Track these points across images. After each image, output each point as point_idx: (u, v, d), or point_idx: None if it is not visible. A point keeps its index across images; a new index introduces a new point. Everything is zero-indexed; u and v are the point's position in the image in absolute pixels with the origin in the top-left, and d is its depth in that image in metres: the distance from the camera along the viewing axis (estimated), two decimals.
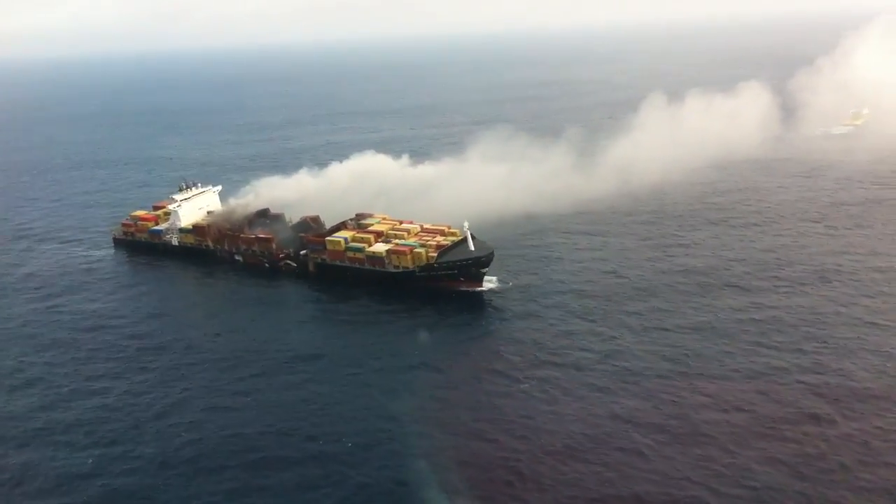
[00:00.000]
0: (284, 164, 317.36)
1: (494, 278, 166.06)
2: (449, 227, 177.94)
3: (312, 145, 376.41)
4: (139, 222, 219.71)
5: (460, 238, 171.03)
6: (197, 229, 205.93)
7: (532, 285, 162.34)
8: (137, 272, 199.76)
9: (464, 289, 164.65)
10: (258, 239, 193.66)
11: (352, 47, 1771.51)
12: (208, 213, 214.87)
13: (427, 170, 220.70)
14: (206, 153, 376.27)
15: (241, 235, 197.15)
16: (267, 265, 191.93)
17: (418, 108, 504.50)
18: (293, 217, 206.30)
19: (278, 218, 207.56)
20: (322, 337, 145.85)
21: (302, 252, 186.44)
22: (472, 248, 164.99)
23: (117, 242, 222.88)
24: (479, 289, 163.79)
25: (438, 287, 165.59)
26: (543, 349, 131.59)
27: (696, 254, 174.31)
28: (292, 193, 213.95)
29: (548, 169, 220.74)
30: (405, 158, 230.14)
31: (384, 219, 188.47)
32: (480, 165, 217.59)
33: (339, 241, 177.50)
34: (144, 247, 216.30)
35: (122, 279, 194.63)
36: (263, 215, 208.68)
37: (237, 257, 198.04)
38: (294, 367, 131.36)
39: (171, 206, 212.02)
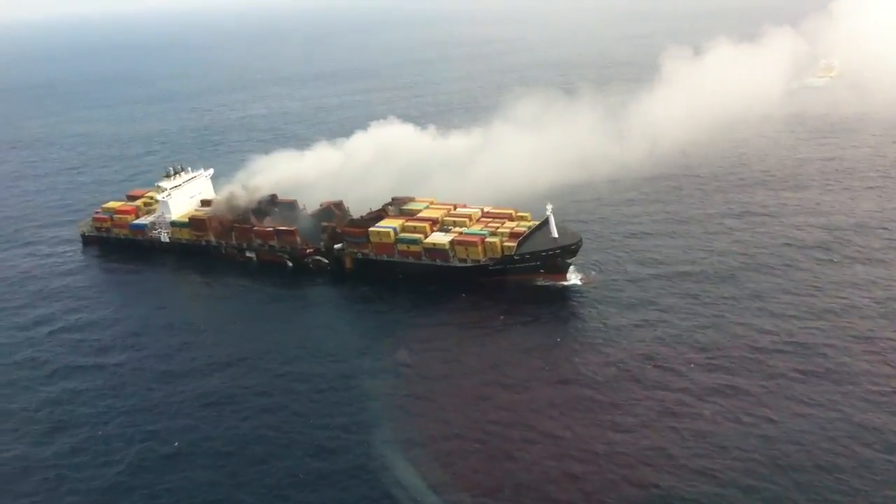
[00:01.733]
0: (239, 138, 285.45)
1: (572, 267, 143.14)
2: (516, 211, 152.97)
3: (257, 115, 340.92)
4: (115, 216, 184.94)
5: (536, 223, 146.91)
6: (194, 222, 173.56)
7: (627, 272, 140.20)
8: (128, 277, 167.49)
9: (543, 282, 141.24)
10: (278, 232, 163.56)
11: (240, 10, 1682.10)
12: (202, 202, 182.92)
13: (457, 143, 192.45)
14: (136, 128, 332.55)
15: (255, 228, 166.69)
16: (290, 263, 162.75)
17: (344, 73, 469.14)
18: (307, 204, 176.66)
19: (290, 205, 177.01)
20: (425, 352, 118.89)
21: (336, 246, 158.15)
22: (555, 234, 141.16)
23: (87, 240, 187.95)
24: (564, 282, 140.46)
25: (513, 282, 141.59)
26: (702, 350, 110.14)
27: (786, 223, 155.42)
28: (301, 174, 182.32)
29: (577, 135, 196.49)
30: (432, 129, 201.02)
31: (432, 203, 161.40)
32: (513, 135, 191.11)
33: (388, 232, 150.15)
34: (124, 245, 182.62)
35: (113, 287, 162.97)
36: (271, 203, 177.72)
37: (249, 254, 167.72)
38: (438, 405, 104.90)
39: (158, 196, 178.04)
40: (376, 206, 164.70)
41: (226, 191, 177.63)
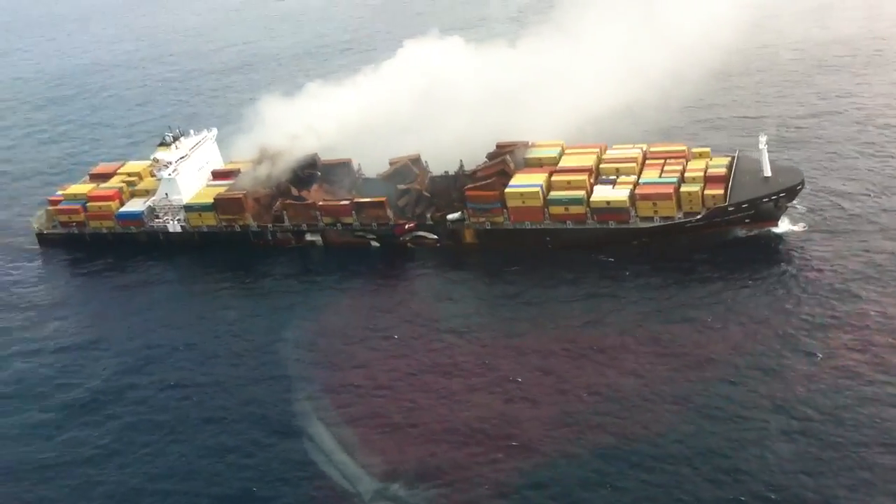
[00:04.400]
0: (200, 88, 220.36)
1: None
2: (689, 148, 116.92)
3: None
4: (90, 203, 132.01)
5: (724, 160, 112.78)
6: (223, 203, 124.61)
7: (848, 201, 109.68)
8: (138, 291, 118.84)
9: (745, 233, 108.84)
10: (358, 205, 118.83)
11: None
12: (213, 174, 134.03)
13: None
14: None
15: (322, 204, 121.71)
16: (374, 244, 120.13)
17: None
18: (364, 164, 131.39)
19: (342, 167, 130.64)
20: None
21: (451, 216, 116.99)
22: (768, 172, 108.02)
23: (45, 240, 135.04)
24: (775, 230, 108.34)
25: (703, 235, 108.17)
26: None
27: None
28: (352, 119, 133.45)
29: (620, 47, 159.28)
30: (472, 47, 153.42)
31: (564, 147, 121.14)
32: (568, 50, 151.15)
33: (534, 192, 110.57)
34: (107, 242, 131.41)
35: (124, 311, 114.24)
36: (312, 167, 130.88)
37: (311, 238, 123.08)
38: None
39: (161, 173, 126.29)
40: (466, 157, 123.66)
41: (271, 148, 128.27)
